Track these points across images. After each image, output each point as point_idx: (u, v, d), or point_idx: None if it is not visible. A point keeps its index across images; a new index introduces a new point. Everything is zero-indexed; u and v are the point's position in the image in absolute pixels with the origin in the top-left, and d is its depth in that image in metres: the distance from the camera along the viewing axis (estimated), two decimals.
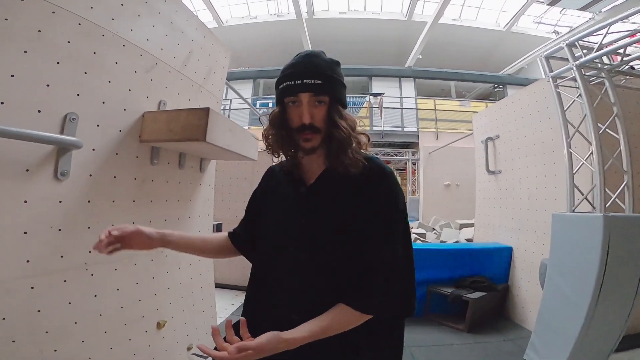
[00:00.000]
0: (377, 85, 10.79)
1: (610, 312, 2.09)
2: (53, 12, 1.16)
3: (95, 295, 1.33)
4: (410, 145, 9.66)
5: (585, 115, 2.36)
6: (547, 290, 2.37)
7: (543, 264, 2.59)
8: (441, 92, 12.06)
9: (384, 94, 9.58)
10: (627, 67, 2.54)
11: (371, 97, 9.75)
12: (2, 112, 1.00)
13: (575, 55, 2.42)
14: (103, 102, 1.36)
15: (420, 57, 10.64)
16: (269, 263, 0.88)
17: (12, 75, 1.04)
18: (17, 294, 1.07)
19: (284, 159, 0.92)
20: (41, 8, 1.13)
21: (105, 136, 1.37)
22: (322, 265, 0.79)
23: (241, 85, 10.76)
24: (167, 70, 1.75)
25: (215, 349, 0.67)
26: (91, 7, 1.30)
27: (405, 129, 9.50)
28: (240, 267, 3.82)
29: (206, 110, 1.46)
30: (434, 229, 5.62)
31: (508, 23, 10.67)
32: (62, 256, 1.21)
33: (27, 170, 1.10)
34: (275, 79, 0.89)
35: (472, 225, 5.06)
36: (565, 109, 2.54)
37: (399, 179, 11.33)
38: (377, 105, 9.41)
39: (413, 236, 4.58)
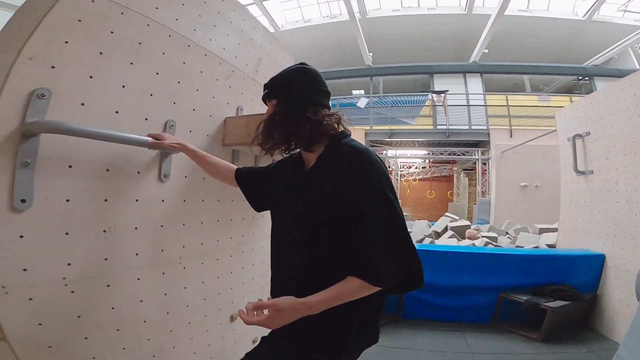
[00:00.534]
0: (439, 83, 10.33)
1: None
2: (148, 25, 1.30)
3: (185, 288, 1.47)
4: (480, 144, 9.00)
5: None
6: None
7: None
8: (514, 86, 11.07)
9: (447, 91, 9.10)
10: None
11: (434, 95, 9.34)
12: (118, 120, 1.18)
13: None
14: (193, 110, 1.53)
15: (487, 51, 9.93)
16: (276, 241, 1.08)
17: (124, 86, 1.21)
18: (126, 285, 1.23)
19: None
20: (139, 21, 1.26)
21: (196, 141, 1.51)
22: (313, 241, 0.93)
23: None
24: (242, 77, 1.89)
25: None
26: (176, 19, 1.43)
27: (473, 127, 8.90)
28: None
29: None
30: (507, 233, 5.19)
31: (588, 11, 9.66)
32: (162, 250, 1.38)
33: (138, 172, 1.28)
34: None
35: (554, 230, 4.57)
36: None
37: (466, 180, 10.66)
38: (441, 104, 8.97)
39: (483, 240, 4.32)
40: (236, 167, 1.35)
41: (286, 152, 1.09)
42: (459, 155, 9.42)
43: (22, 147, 0.94)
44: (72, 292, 1.07)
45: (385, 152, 9.71)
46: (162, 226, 1.39)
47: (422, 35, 11.13)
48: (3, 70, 0.94)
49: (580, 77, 10.85)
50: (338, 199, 0.91)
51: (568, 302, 2.88)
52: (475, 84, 10.27)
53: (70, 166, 1.07)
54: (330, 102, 1.10)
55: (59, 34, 1.02)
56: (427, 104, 9.66)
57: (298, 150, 1.09)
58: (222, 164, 1.36)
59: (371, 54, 10.99)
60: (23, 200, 0.94)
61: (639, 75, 2.95)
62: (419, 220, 6.25)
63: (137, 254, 1.29)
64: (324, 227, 0.92)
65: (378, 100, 10.07)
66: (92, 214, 1.13)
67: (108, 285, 1.18)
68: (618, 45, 9.53)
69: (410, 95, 10.24)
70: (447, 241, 4.52)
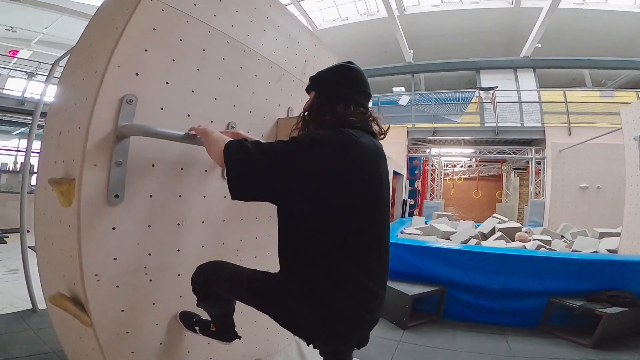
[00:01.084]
0: (486, 79, 9.78)
1: None
2: (209, 32, 1.39)
3: None
4: (533, 142, 8.41)
5: None
6: None
7: None
8: (572, 82, 10.18)
9: (497, 87, 8.58)
10: None
11: (481, 91, 8.87)
12: (190, 122, 1.28)
13: None
14: (250, 112, 1.63)
15: (539, 45, 9.23)
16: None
17: (193, 91, 1.31)
18: (191, 274, 1.30)
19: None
20: (201, 29, 1.35)
21: None
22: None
23: None
24: (291, 80, 1.96)
25: None
26: (232, 26, 1.51)
27: (525, 125, 8.33)
28: None
29: None
30: (562, 237, 4.83)
31: None
32: (223, 243, 1.49)
33: (206, 170, 1.40)
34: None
35: (616, 234, 4.18)
36: None
37: (517, 180, 10.02)
38: (490, 100, 8.49)
39: (535, 243, 4.06)
40: None
41: None
42: (509, 154, 8.84)
43: (116, 148, 1.08)
44: (150, 280, 1.20)
45: (428, 150, 9.40)
46: (223, 220, 1.51)
47: (466, 31, 10.60)
48: (97, 77, 1.08)
49: None
50: None
51: (626, 309, 2.66)
52: (527, 79, 9.61)
53: (153, 165, 1.20)
54: (369, 103, 1.12)
55: (140, 43, 1.14)
56: (473, 100, 9.20)
57: None
58: None
59: (412, 51, 10.69)
60: (116, 196, 1.08)
61: None
62: (464, 220, 6.01)
63: (202, 246, 1.41)
64: None
65: (420, 98, 9.78)
66: (169, 208, 1.26)
67: (179, 275, 1.31)
68: None
69: (455, 92, 9.82)
70: (494, 243, 4.32)
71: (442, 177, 11.25)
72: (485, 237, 4.79)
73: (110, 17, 1.26)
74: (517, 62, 9.94)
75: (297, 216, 0.93)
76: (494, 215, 5.72)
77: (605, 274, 2.98)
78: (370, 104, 1.13)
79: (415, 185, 9.70)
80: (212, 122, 1.43)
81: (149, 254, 1.19)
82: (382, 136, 1.12)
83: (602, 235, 4.43)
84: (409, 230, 5.01)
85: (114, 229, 1.08)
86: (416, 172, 9.76)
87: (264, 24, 1.76)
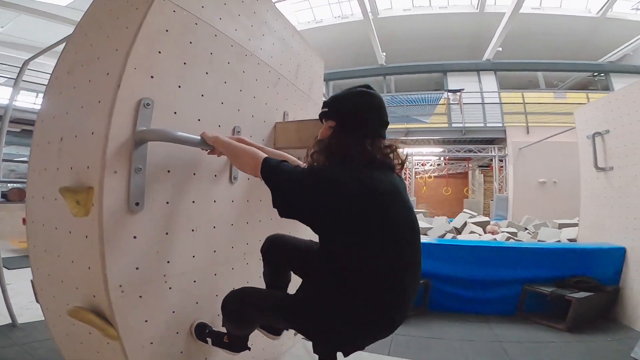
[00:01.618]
0: (452, 81, 10.31)
1: None
2: (215, 35, 1.38)
3: (248, 282, 1.55)
4: (495, 141, 9.02)
5: None
6: None
7: None
8: (528, 84, 11.03)
9: (463, 89, 9.11)
10: None
11: (449, 93, 9.36)
12: (200, 127, 1.26)
13: None
14: (252, 116, 1.63)
15: (501, 49, 9.91)
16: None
17: (202, 95, 1.30)
18: (207, 281, 1.34)
19: None
20: (209, 32, 1.34)
21: None
22: None
23: None
24: (285, 84, 1.98)
25: None
26: (235, 30, 1.51)
27: (488, 125, 8.91)
28: None
29: None
30: (526, 229, 5.24)
31: (601, 9, 9.67)
32: (232, 247, 1.49)
33: (215, 175, 1.39)
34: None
35: (574, 225, 4.62)
36: None
37: (481, 176, 10.66)
38: (457, 102, 9.00)
39: (504, 235, 4.38)
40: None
41: None
42: (475, 152, 9.42)
43: (135, 153, 1.04)
44: (170, 288, 1.18)
45: (402, 150, 9.72)
46: (232, 225, 1.51)
47: (435, 34, 11.15)
48: (111, 79, 1.04)
49: (595, 74, 10.80)
50: None
51: (592, 294, 2.96)
52: (489, 81, 10.26)
53: (168, 171, 1.17)
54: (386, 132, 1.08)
55: (154, 44, 1.12)
56: (442, 102, 9.68)
57: None
58: (285, 156, 1.36)
59: (384, 54, 11.01)
60: (137, 204, 1.05)
61: None
62: (438, 217, 6.33)
63: (214, 251, 1.40)
64: None
65: (391, 99, 10.12)
66: (184, 214, 1.24)
67: (194, 281, 1.29)
68: (632, 42, 9.52)
69: (424, 93, 10.27)
70: (468, 237, 4.60)
71: (414, 176, 11.71)
72: (458, 231, 5.08)
73: (114, 16, 1.21)
74: (480, 65, 10.57)
75: (335, 245, 0.96)
76: (465, 210, 6.06)
77: (570, 261, 3.29)
78: None
79: None
80: (219, 126, 1.42)
81: (168, 262, 1.17)
82: (401, 167, 1.09)
83: (561, 226, 4.85)
84: None
85: (135, 237, 1.05)
86: None
87: (262, 28, 1.77)
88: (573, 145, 4.57)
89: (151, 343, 1.10)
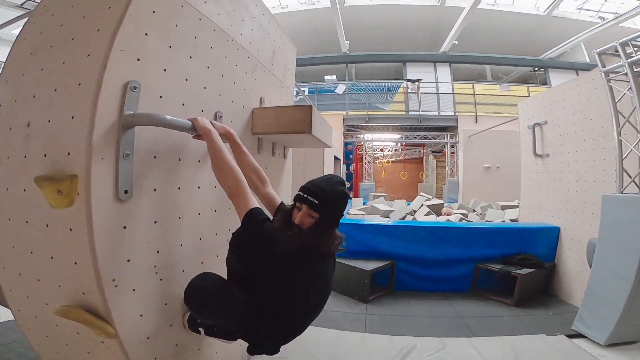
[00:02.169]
0: (411, 71, 10.72)
1: None
2: (200, 19, 1.34)
3: None
4: (448, 128, 9.64)
5: (635, 107, 2.55)
6: (596, 265, 2.54)
7: (591, 243, 2.72)
8: (478, 76, 11.80)
9: (422, 79, 9.54)
10: None
11: (409, 82, 9.73)
12: (184, 112, 1.23)
13: (627, 52, 2.55)
14: (232, 101, 1.60)
15: (457, 42, 10.44)
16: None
17: (187, 79, 1.25)
18: (195, 270, 1.28)
19: None
20: (193, 16, 1.30)
21: (236, 131, 1.52)
22: None
23: None
24: (262, 70, 1.96)
25: None
26: (218, 14, 1.47)
27: (442, 113, 9.46)
28: None
29: (310, 107, 1.71)
30: (474, 210, 5.75)
31: (548, 7, 10.34)
32: (216, 234, 1.47)
33: (199, 161, 1.35)
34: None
35: (514, 206, 5.14)
36: (616, 101, 2.67)
37: (434, 162, 11.37)
38: (415, 91, 9.41)
39: (457, 216, 4.77)
40: (281, 201, 1.36)
41: None
42: (430, 139, 10.00)
43: (123, 138, 0.98)
44: (161, 279, 1.15)
45: (362, 136, 10.02)
46: (215, 211, 1.48)
47: (398, 25, 11.34)
48: (93, 61, 0.96)
49: (536, 69, 11.83)
50: None
51: (533, 270, 3.31)
52: (444, 73, 10.84)
53: (155, 157, 1.12)
54: None
55: (141, 26, 1.05)
56: (401, 90, 10.04)
57: None
58: (260, 175, 1.38)
59: (348, 42, 11.05)
60: (126, 192, 1.00)
61: (591, 75, 3.37)
62: (397, 200, 6.67)
63: (200, 239, 1.38)
64: None
65: (353, 87, 10.28)
66: (171, 202, 1.20)
67: (183, 271, 1.27)
68: (572, 40, 10.36)
69: (384, 82, 10.54)
70: (424, 218, 4.93)
71: (373, 161, 12.14)
72: (415, 213, 5.42)
73: None
74: (436, 56, 11.06)
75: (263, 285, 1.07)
76: (421, 194, 6.46)
77: (514, 240, 3.64)
78: None
79: (350, 168, 10.34)
80: (202, 111, 1.38)
81: (157, 252, 1.13)
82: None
83: (504, 208, 5.39)
84: (353, 211, 5.36)
85: (125, 227, 1.00)
86: (351, 156, 10.38)
87: (243, 13, 1.73)
88: (515, 134, 5.03)
89: (148, 338, 1.07)
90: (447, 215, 5.01)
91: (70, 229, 0.94)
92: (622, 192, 2.55)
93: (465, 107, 9.29)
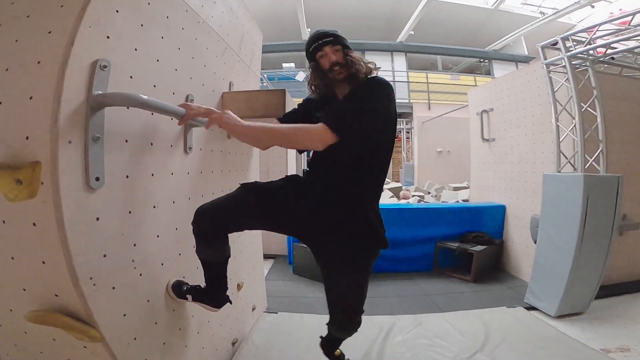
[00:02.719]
0: (370, 59, 10.76)
1: (592, 258, 2.54)
2: None
3: None
4: (403, 115, 10.03)
5: (571, 96, 2.84)
6: (540, 240, 2.79)
7: (534, 219, 2.99)
8: (430, 66, 12.29)
9: (380, 68, 9.68)
10: (607, 57, 2.94)
11: None
12: (155, 94, 1.14)
13: (567, 46, 2.82)
14: (203, 85, 1.52)
15: (413, 32, 10.72)
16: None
17: (158, 60, 1.17)
18: (173, 262, 1.25)
19: None
20: None
21: None
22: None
23: None
24: (231, 54, 1.90)
25: None
26: None
27: (398, 101, 9.76)
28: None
29: (283, 91, 1.70)
30: (429, 192, 6.10)
31: (496, 1, 10.89)
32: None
33: (171, 145, 1.27)
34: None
35: (464, 187, 5.54)
36: (555, 90, 2.95)
37: None
38: None
39: (415, 198, 5.04)
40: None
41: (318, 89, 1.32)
42: None
43: (92, 120, 0.89)
44: (140, 274, 1.07)
45: None
46: (189, 199, 1.42)
47: (358, 14, 11.28)
48: (57, 38, 0.85)
49: (481, 60, 12.64)
50: None
51: (486, 247, 3.58)
52: (400, 61, 11.15)
53: (126, 141, 1.03)
54: None
55: (112, 2, 0.96)
56: None
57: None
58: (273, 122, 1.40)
59: (309, 29, 10.82)
60: (97, 179, 0.91)
61: (533, 67, 3.67)
62: None
63: (176, 229, 1.31)
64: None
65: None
66: (145, 189, 1.12)
67: (162, 264, 1.20)
68: (515, 34, 11.09)
69: None
70: (387, 201, 5.13)
71: None
72: None
73: None
74: (393, 46, 11.31)
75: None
76: None
77: (468, 219, 3.91)
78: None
79: (311, 154, 10.32)
80: (173, 94, 1.29)
81: (134, 245, 1.05)
82: None
83: (456, 189, 5.79)
84: None
85: (98, 219, 0.91)
86: None
87: None
88: (463, 120, 5.38)
89: (135, 339, 1.00)
90: (405, 198, 5.26)
91: (34, 224, 0.84)
92: (559, 172, 2.85)
93: (420, 95, 9.72)
